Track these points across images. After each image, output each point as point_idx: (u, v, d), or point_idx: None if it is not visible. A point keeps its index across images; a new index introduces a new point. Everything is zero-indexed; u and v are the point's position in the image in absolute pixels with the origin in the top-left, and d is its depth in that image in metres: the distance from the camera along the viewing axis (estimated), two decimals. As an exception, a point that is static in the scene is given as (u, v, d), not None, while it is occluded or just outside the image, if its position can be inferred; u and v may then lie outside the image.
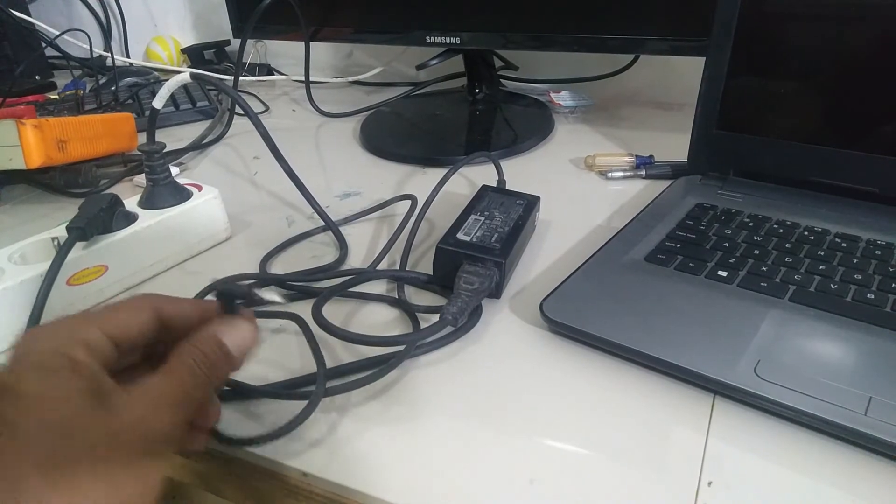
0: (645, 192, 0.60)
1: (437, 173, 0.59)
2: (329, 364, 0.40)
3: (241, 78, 0.87)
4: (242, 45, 0.77)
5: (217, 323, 0.30)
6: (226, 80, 0.89)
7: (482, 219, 0.50)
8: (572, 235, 0.54)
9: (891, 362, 0.36)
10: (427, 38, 0.74)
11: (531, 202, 0.53)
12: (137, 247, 0.50)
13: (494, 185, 0.58)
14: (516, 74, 0.85)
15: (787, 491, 0.31)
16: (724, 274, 0.44)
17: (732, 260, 0.46)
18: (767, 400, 0.34)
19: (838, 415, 0.33)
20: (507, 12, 0.71)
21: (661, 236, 0.49)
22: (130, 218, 0.50)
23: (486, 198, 0.53)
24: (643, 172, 0.63)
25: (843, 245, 0.47)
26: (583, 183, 0.63)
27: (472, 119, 0.80)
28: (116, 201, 0.50)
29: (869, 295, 0.41)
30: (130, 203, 0.52)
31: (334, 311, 0.46)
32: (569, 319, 0.41)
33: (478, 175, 0.65)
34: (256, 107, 0.89)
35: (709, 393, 0.37)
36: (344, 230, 0.56)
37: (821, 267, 0.44)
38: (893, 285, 0.42)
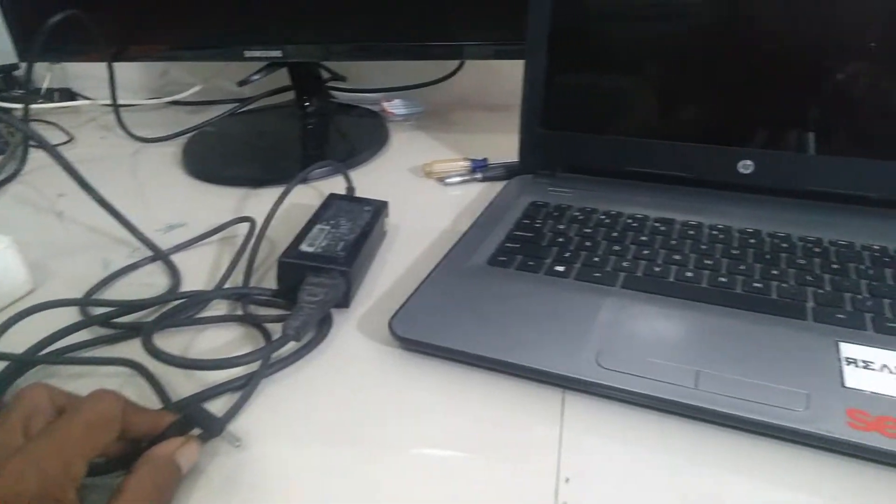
0: (483, 194, 0.61)
1: (274, 192, 0.56)
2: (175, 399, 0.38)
3: (35, 105, 0.78)
4: (30, 69, 0.68)
5: (174, 443, 0.32)
6: (15, 108, 0.79)
7: (328, 228, 0.48)
8: (418, 243, 0.53)
9: (712, 335, 0.39)
10: (245, 52, 0.70)
11: (379, 207, 0.52)
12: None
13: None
14: (346, 85, 0.83)
15: (641, 473, 0.32)
16: (562, 269, 0.46)
17: (567, 254, 0.48)
18: (610, 388, 0.36)
19: (673, 392, 0.35)
20: (328, 23, 0.70)
21: (501, 238, 0.50)
22: None
23: (332, 206, 0.52)
24: (479, 175, 0.64)
25: (662, 229, 0.50)
26: (423, 190, 0.63)
27: (305, 133, 0.77)
28: None
29: (687, 273, 0.45)
30: None
31: (173, 343, 0.43)
32: (418, 335, 0.40)
33: (328, 189, 0.63)
34: (57, 137, 0.80)
35: (558, 389, 0.38)
36: (176, 259, 0.51)
37: (645, 252, 0.47)
38: (707, 262, 0.46)
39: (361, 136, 0.74)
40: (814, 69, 0.50)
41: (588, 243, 0.49)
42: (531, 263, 0.47)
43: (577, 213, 0.53)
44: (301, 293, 0.42)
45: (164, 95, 0.90)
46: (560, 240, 0.50)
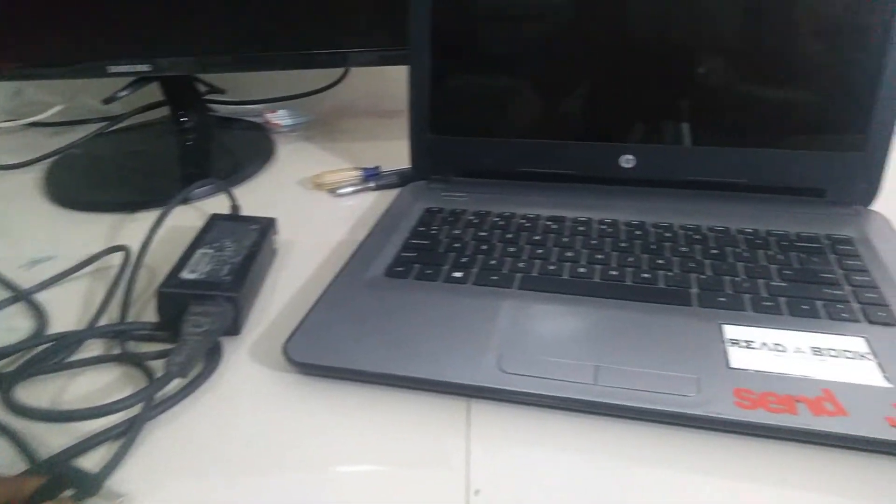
0: (377, 203, 0.60)
1: (151, 217, 0.52)
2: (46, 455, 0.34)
3: None
4: None
5: None
6: None
7: (211, 251, 0.46)
8: (312, 260, 0.51)
9: (607, 329, 0.40)
10: (109, 67, 0.65)
11: (266, 225, 0.50)
12: None
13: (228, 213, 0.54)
14: (226, 97, 0.80)
15: (549, 475, 0.32)
16: (460, 275, 0.45)
17: (465, 259, 0.47)
18: (513, 393, 0.36)
19: (574, 390, 0.35)
20: (200, 34, 0.66)
21: (398, 247, 0.49)
22: None
23: (215, 228, 0.49)
24: (372, 184, 0.63)
25: (554, 227, 0.51)
26: (314, 203, 0.61)
27: (185, 151, 0.73)
28: None
29: (580, 269, 0.46)
30: None
31: (41, 392, 0.39)
32: (315, 358, 0.38)
33: (212, 208, 0.59)
34: None
35: (463, 398, 0.37)
36: (42, 297, 0.47)
37: (539, 251, 0.48)
38: (598, 256, 0.47)
39: (245, 151, 0.71)
40: (682, 65, 0.52)
41: (484, 247, 0.49)
42: (429, 272, 0.46)
43: (472, 217, 0.53)
44: (184, 325, 0.40)
45: (21, 117, 0.82)
46: (456, 245, 0.49)
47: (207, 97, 0.78)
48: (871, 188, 0.51)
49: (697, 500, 0.31)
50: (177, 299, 0.41)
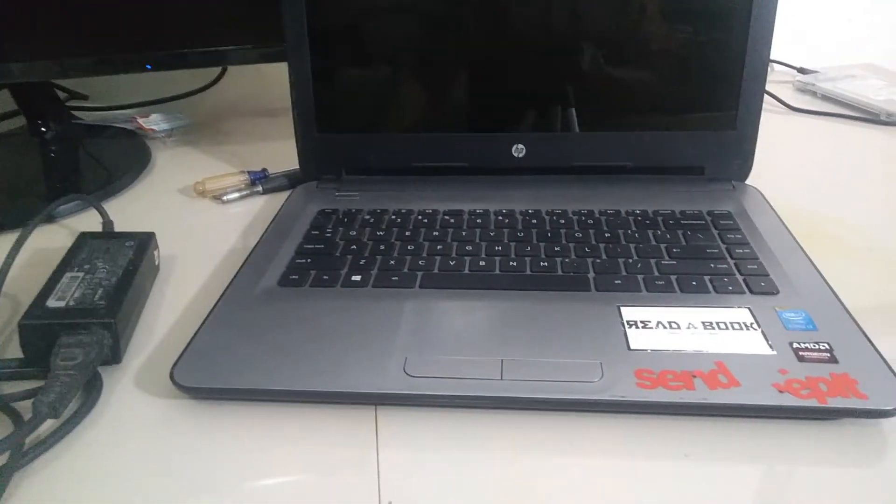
0: (266, 208, 0.57)
1: (10, 239, 0.47)
2: None
3: None
4: None
5: None
6: None
7: (81, 275, 0.41)
8: (199, 274, 0.48)
9: (511, 321, 0.39)
10: (-53, 75, 0.58)
11: (144, 241, 0.46)
12: None
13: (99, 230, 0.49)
14: (91, 103, 0.73)
15: (460, 477, 0.32)
16: (359, 278, 0.44)
17: (363, 261, 0.46)
18: (420, 396, 0.35)
19: (481, 388, 0.35)
20: (57, 35, 0.60)
21: (291, 254, 0.47)
22: None
23: (85, 248, 0.45)
24: (260, 188, 0.60)
25: (452, 221, 0.51)
26: (198, 212, 0.58)
27: (47, 164, 0.66)
28: None
29: (481, 263, 0.45)
30: None
31: None
32: (206, 381, 0.36)
33: (82, 226, 0.54)
34: None
35: (370, 406, 0.36)
36: None
37: (439, 247, 0.47)
38: (497, 248, 0.47)
39: (117, 160, 0.66)
40: (562, 53, 0.53)
41: (382, 246, 0.47)
42: (326, 277, 0.44)
43: (368, 217, 0.52)
44: (55, 359, 0.36)
45: None
46: (353, 247, 0.48)
47: (71, 104, 0.71)
48: (744, 164, 0.54)
49: (607, 484, 0.31)
50: (43, 331, 0.37)
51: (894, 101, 0.72)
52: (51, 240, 0.52)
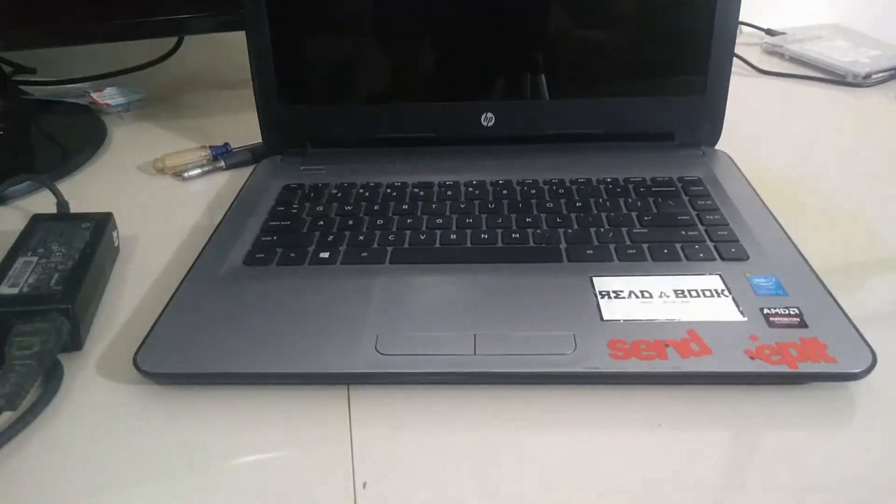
0: (230, 184, 0.56)
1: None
2: None
3: None
4: None
5: None
6: None
7: (35, 259, 0.40)
8: (161, 254, 0.46)
9: (484, 295, 0.39)
10: None
11: (101, 221, 0.44)
12: None
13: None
14: (40, 77, 0.70)
15: (436, 456, 0.31)
16: (327, 255, 0.43)
17: (331, 237, 0.45)
18: (393, 375, 0.34)
19: (454, 364, 0.34)
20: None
21: (256, 232, 0.46)
22: None
23: (38, 231, 0.43)
24: (223, 164, 0.58)
25: (421, 193, 0.50)
26: (158, 190, 0.56)
27: (-4, 142, 0.64)
28: None
29: (452, 236, 0.44)
30: None
31: None
32: (171, 366, 0.35)
33: (35, 208, 0.52)
34: None
35: (342, 386, 0.35)
36: None
37: (408, 221, 0.46)
38: (468, 220, 0.46)
39: (71, 137, 0.63)
40: (528, 18, 0.52)
41: (351, 221, 0.46)
42: (293, 255, 0.43)
43: (335, 191, 0.50)
44: (10, 348, 0.34)
45: None
46: (321, 223, 0.46)
47: (18, 79, 0.68)
48: (714, 128, 0.54)
49: (582, 456, 0.31)
50: None
51: (860, 62, 0.72)
52: (1, 223, 0.50)
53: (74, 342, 0.37)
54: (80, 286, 0.38)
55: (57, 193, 0.50)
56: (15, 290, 0.37)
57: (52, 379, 0.36)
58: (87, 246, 0.42)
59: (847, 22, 0.90)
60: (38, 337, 0.35)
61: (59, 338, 0.36)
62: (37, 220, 0.44)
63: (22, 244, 0.41)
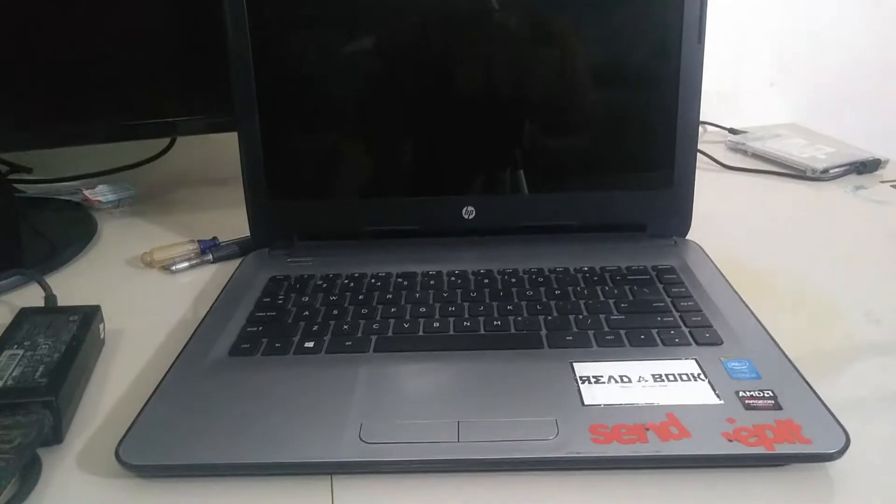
0: (217, 277, 0.57)
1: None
2: None
3: None
4: None
5: None
6: None
7: (21, 352, 0.40)
8: (147, 347, 0.47)
9: (466, 381, 0.39)
10: None
11: (89, 314, 0.45)
12: None
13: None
14: (35, 176, 0.72)
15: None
16: (311, 345, 0.44)
17: (316, 327, 0.45)
18: (377, 463, 0.34)
19: (438, 451, 0.34)
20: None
21: (242, 323, 0.47)
22: None
23: (25, 324, 0.44)
24: (210, 257, 0.59)
25: (405, 283, 0.51)
26: (147, 283, 0.56)
27: (-13, 238, 0.65)
28: None
29: (435, 324, 0.45)
30: None
31: None
32: (155, 457, 0.34)
33: (23, 302, 0.52)
34: None
35: (325, 476, 0.35)
36: None
37: (392, 310, 0.47)
38: (450, 308, 0.47)
39: (61, 233, 0.64)
40: (505, 120, 0.55)
41: (335, 311, 0.47)
42: (278, 345, 0.43)
43: (321, 282, 0.52)
44: None
45: None
46: (306, 313, 0.47)
47: (13, 177, 0.70)
48: (683, 219, 0.57)
49: (569, 544, 0.31)
50: None
51: (817, 157, 0.77)
52: (-9, 318, 0.50)
53: (55, 436, 0.37)
54: (64, 379, 0.38)
55: (45, 287, 0.50)
56: (-1, 384, 0.37)
57: (30, 474, 0.35)
58: (74, 339, 0.42)
59: (802, 121, 0.96)
60: (18, 430, 0.35)
61: (40, 431, 0.36)
62: (24, 314, 0.45)
63: (9, 337, 0.42)
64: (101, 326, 0.46)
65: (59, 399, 0.37)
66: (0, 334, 0.42)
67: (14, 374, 0.38)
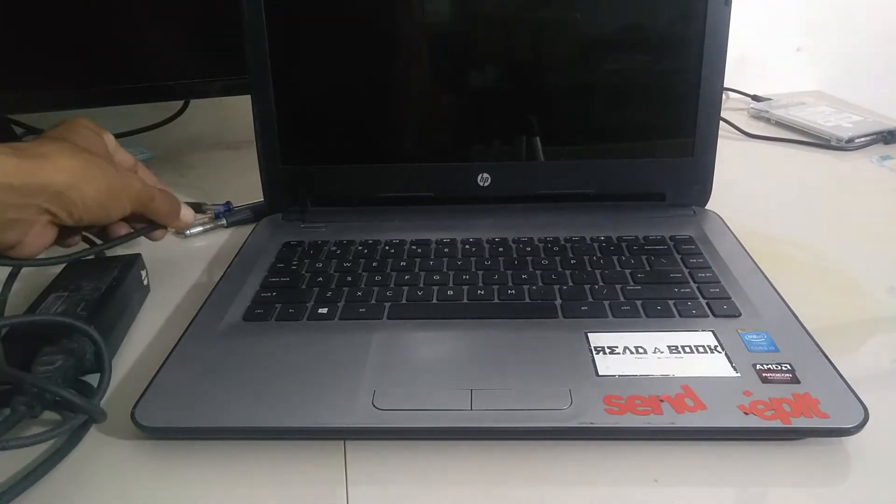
0: (231, 242, 0.57)
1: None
2: None
3: None
4: None
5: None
6: None
7: (66, 294, 0.42)
8: (161, 310, 0.47)
9: (480, 350, 0.39)
10: None
11: (129, 261, 0.47)
12: None
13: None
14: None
15: (430, 513, 0.31)
16: (325, 311, 0.43)
17: (329, 293, 0.45)
18: (390, 430, 0.34)
19: (451, 419, 0.34)
20: (14, 68, 0.59)
21: (256, 288, 0.47)
22: None
23: (70, 273, 0.46)
24: (224, 222, 0.59)
25: (419, 251, 0.51)
26: (160, 247, 0.56)
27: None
28: None
29: (449, 292, 0.45)
30: None
31: None
32: (169, 420, 0.35)
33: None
34: None
35: (339, 441, 0.35)
36: None
37: (406, 277, 0.47)
38: (465, 276, 0.47)
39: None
40: (526, 85, 0.54)
41: (349, 278, 0.47)
42: (292, 311, 0.43)
43: (334, 248, 0.51)
44: (34, 366, 0.36)
45: None
46: (320, 279, 0.47)
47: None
48: (703, 189, 0.55)
49: (580, 513, 0.31)
50: (24, 345, 0.38)
51: (843, 126, 0.75)
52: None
53: (98, 363, 0.38)
54: (101, 312, 0.41)
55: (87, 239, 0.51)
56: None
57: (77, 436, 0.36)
58: (114, 280, 0.45)
59: (828, 89, 0.93)
60: (62, 355, 0.37)
61: (81, 357, 0.38)
62: (70, 265, 0.46)
63: (55, 284, 0.44)
64: (142, 273, 0.48)
65: (97, 328, 0.38)
66: (50, 282, 0.44)
67: (58, 310, 0.41)
